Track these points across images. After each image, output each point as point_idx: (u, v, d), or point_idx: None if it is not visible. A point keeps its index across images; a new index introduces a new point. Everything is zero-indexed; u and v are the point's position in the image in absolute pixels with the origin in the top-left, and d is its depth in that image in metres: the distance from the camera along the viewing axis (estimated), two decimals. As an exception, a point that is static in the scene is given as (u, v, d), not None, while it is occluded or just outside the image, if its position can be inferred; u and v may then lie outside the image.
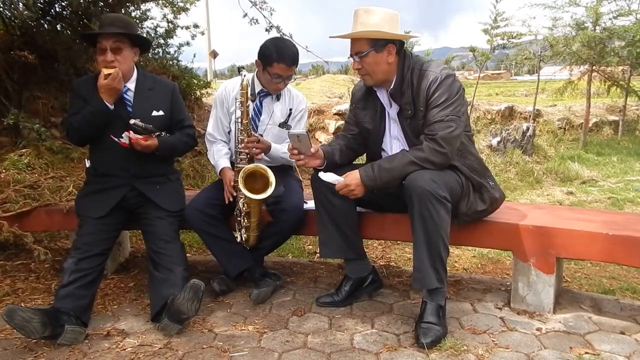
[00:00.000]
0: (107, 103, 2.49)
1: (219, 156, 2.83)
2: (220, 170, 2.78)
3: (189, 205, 2.71)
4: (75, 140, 2.77)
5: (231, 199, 2.65)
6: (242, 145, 2.63)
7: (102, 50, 2.53)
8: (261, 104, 2.84)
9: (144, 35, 4.58)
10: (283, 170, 2.87)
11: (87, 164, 2.77)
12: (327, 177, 2.32)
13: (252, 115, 2.78)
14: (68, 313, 2.26)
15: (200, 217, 2.67)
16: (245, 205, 2.62)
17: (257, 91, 2.82)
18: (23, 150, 3.84)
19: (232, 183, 2.65)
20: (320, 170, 2.40)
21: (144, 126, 2.55)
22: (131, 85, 2.66)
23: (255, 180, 2.57)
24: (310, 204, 2.68)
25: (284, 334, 2.33)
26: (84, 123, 2.55)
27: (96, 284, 2.47)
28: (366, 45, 2.29)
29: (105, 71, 2.47)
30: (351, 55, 2.37)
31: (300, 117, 2.92)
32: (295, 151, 2.38)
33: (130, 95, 2.65)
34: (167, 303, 2.32)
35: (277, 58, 2.64)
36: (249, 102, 2.69)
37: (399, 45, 2.34)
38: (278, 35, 4.65)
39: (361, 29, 2.28)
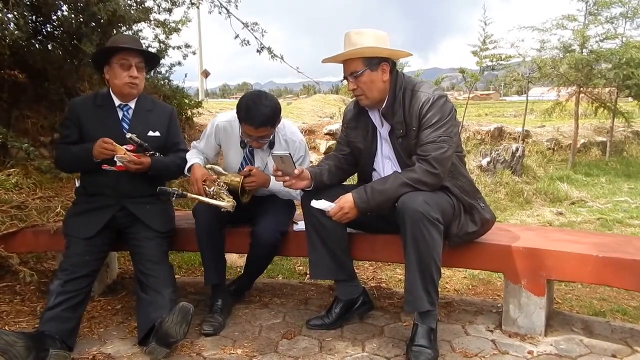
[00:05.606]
0: (94, 158, 2.53)
1: (192, 157, 2.75)
2: (191, 167, 2.69)
3: (197, 208, 2.65)
4: (64, 170, 3.03)
5: (202, 198, 2.55)
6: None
7: (125, 66, 2.57)
8: (252, 153, 2.78)
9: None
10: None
11: (77, 183, 2.77)
12: (319, 204, 2.31)
13: (242, 164, 2.78)
14: (53, 337, 2.20)
15: (210, 219, 2.60)
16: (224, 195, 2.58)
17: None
18: (11, 170, 3.80)
19: (203, 180, 2.59)
20: (309, 192, 2.39)
21: (140, 142, 2.57)
22: (132, 104, 2.70)
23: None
24: (301, 225, 2.67)
25: (274, 357, 2.29)
26: (72, 161, 2.68)
27: (83, 306, 2.42)
28: (361, 65, 2.30)
29: (120, 157, 2.49)
30: (345, 77, 2.38)
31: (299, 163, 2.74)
32: (280, 172, 2.37)
33: (129, 114, 2.69)
34: (154, 326, 2.28)
35: (244, 118, 2.53)
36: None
37: (391, 64, 2.36)
38: (269, 57, 4.68)
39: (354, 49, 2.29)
